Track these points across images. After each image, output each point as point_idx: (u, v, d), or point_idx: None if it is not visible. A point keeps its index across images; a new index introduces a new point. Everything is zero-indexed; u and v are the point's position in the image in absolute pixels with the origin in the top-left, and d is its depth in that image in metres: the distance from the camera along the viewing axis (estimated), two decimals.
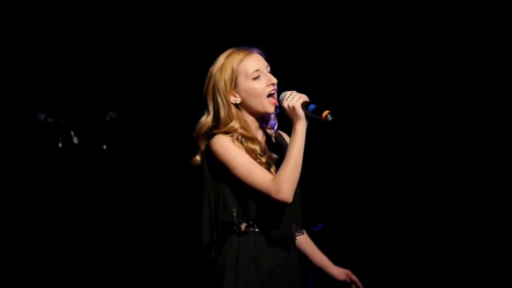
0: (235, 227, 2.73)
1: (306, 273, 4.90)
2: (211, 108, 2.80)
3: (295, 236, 2.81)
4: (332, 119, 2.64)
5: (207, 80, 2.82)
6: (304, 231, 2.98)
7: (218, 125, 2.78)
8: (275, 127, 2.90)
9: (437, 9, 5.23)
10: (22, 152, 5.27)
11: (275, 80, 2.80)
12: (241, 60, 2.79)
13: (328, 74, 5.42)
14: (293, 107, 2.69)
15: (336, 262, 3.12)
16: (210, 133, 2.78)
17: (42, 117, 4.52)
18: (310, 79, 5.24)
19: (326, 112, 2.66)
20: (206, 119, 2.80)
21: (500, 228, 5.12)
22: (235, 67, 2.78)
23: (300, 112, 2.69)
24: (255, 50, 2.83)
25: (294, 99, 2.71)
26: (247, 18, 5.30)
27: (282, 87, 2.82)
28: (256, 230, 2.73)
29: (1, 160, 5.24)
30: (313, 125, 2.78)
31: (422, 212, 5.31)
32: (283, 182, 2.65)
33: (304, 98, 2.72)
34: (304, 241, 3.03)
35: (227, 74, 2.77)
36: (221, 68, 2.79)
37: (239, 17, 5.31)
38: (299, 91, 2.76)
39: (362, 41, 5.37)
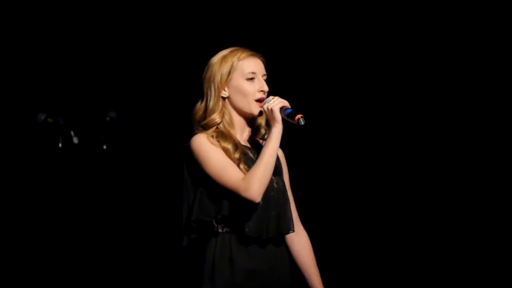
0: (213, 227, 2.76)
1: None
2: (204, 96, 2.85)
3: (273, 234, 2.78)
4: (303, 123, 2.69)
5: (206, 68, 2.87)
6: (306, 236, 2.97)
7: (205, 115, 2.83)
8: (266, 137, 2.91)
9: (436, 9, 5.23)
10: (22, 152, 5.27)
11: (266, 88, 2.84)
12: (243, 58, 2.83)
13: (325, 75, 5.42)
14: (271, 110, 2.73)
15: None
16: (193, 132, 2.82)
17: (42, 117, 4.52)
18: (303, 82, 5.26)
19: (298, 116, 2.70)
20: (200, 106, 2.86)
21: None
22: (235, 63, 2.82)
23: (277, 115, 2.73)
24: (259, 55, 2.88)
25: (274, 103, 2.75)
26: (246, 19, 5.31)
27: (275, 91, 2.85)
28: (230, 230, 2.75)
29: (1, 160, 5.25)
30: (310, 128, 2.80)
31: (422, 221, 5.30)
32: (253, 181, 2.67)
33: (284, 103, 2.76)
34: (300, 246, 2.97)
35: (225, 68, 2.82)
36: (222, 60, 2.83)
37: (239, 18, 5.31)
38: (291, 95, 2.81)
39: (360, 42, 5.37)
